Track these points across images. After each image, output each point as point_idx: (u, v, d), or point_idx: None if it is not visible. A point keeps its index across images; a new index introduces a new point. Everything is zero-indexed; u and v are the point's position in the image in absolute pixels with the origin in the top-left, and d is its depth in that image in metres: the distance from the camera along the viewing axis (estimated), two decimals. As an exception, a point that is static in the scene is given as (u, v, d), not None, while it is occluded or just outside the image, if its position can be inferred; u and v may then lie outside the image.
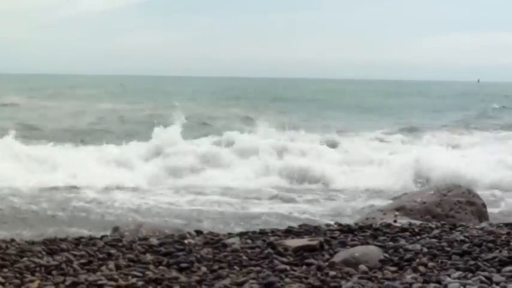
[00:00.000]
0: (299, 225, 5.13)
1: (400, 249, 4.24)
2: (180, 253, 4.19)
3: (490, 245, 4.30)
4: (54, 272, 3.74)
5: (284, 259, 4.10)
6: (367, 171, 13.30)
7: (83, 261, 3.97)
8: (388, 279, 3.65)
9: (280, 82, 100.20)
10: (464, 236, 4.57)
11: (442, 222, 5.53)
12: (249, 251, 4.31)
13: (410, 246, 4.30)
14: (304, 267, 3.95)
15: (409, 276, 3.67)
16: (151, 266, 3.92)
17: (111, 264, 3.91)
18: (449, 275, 3.65)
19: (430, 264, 3.90)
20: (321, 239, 4.49)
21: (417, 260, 3.99)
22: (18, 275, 3.66)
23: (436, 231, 4.84)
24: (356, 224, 5.40)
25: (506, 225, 5.15)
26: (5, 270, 3.74)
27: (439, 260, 3.99)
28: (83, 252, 4.15)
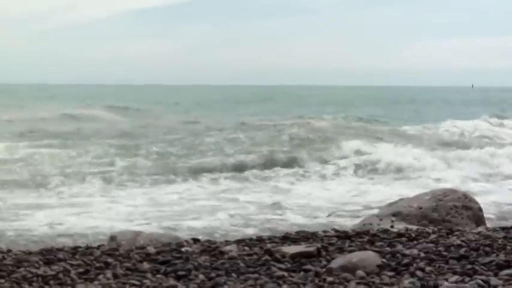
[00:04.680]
0: (296, 232, 5.13)
1: (398, 255, 4.25)
2: (177, 261, 4.19)
3: (487, 249, 4.30)
4: (51, 282, 3.73)
5: (282, 266, 4.10)
6: None
7: (80, 270, 3.97)
8: (386, 284, 3.66)
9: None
10: (461, 241, 4.57)
11: (439, 227, 5.53)
12: (246, 258, 4.31)
13: (407, 251, 4.30)
14: (301, 273, 3.95)
15: (406, 281, 3.68)
16: (148, 275, 3.92)
17: (109, 273, 3.91)
18: (446, 279, 3.66)
19: (428, 268, 3.90)
20: (318, 245, 4.49)
21: (414, 265, 3.99)
22: (15, 285, 3.66)
23: (432, 236, 4.84)
24: (353, 230, 5.40)
25: (503, 229, 5.16)
26: (2, 280, 3.73)
27: (437, 265, 3.99)
28: (80, 262, 4.14)
